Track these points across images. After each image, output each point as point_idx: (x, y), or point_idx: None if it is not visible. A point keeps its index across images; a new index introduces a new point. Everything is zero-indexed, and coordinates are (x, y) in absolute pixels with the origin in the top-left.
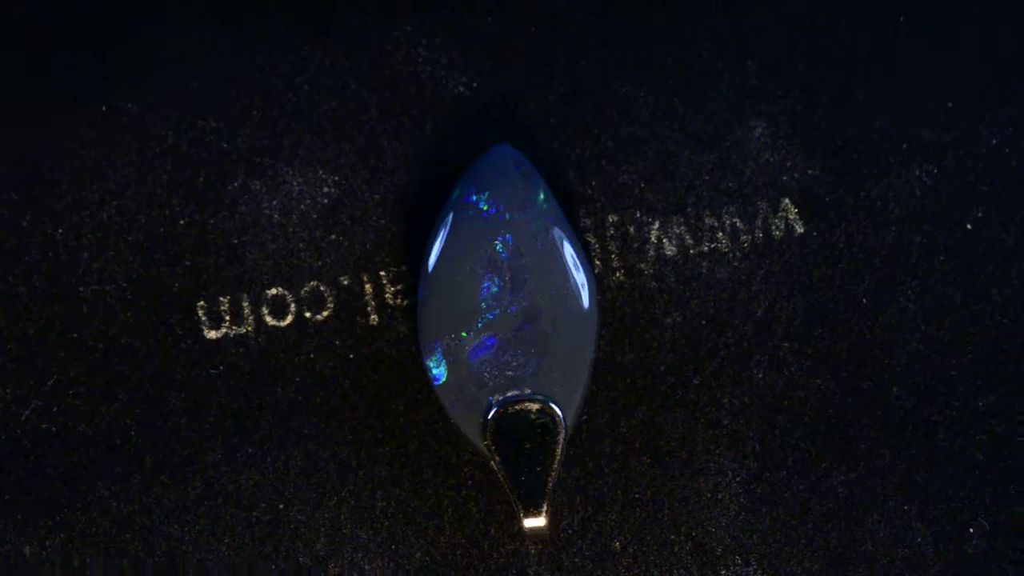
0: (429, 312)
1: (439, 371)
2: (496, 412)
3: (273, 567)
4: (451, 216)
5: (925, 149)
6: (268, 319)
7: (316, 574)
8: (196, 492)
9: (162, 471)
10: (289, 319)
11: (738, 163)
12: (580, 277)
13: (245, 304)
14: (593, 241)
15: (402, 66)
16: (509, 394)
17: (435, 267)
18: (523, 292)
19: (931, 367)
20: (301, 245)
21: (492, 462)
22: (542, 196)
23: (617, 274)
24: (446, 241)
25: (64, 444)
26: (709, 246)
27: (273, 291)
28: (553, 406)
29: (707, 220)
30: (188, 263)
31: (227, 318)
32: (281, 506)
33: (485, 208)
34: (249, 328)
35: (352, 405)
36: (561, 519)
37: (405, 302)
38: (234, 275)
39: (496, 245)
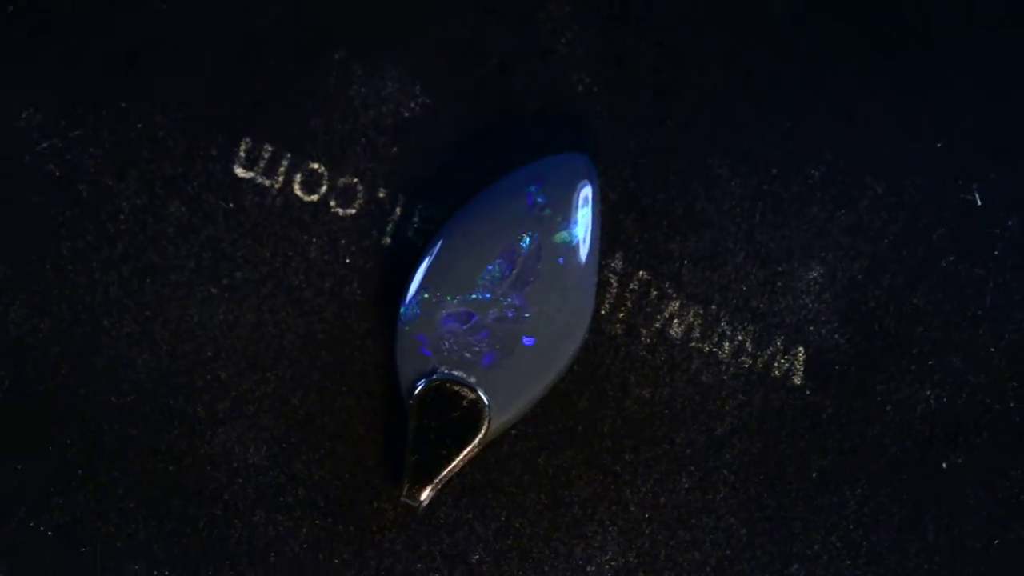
0: (433, 261)
1: (409, 315)
2: (434, 381)
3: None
4: (500, 188)
5: (952, 383)
6: (296, 186)
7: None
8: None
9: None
10: (313, 197)
11: (780, 291)
12: (581, 309)
13: (284, 162)
14: (613, 284)
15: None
16: (455, 372)
17: (460, 225)
18: (522, 292)
19: None
20: (363, 140)
21: (409, 424)
22: (589, 216)
23: (617, 326)
24: (482, 208)
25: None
26: (710, 348)
27: (315, 165)
28: (487, 405)
29: (723, 325)
30: (255, 101)
31: (261, 165)
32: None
33: (532, 199)
34: (275, 185)
35: (311, 309)
36: (439, 510)
37: (420, 243)
38: (290, 131)
39: (523, 237)
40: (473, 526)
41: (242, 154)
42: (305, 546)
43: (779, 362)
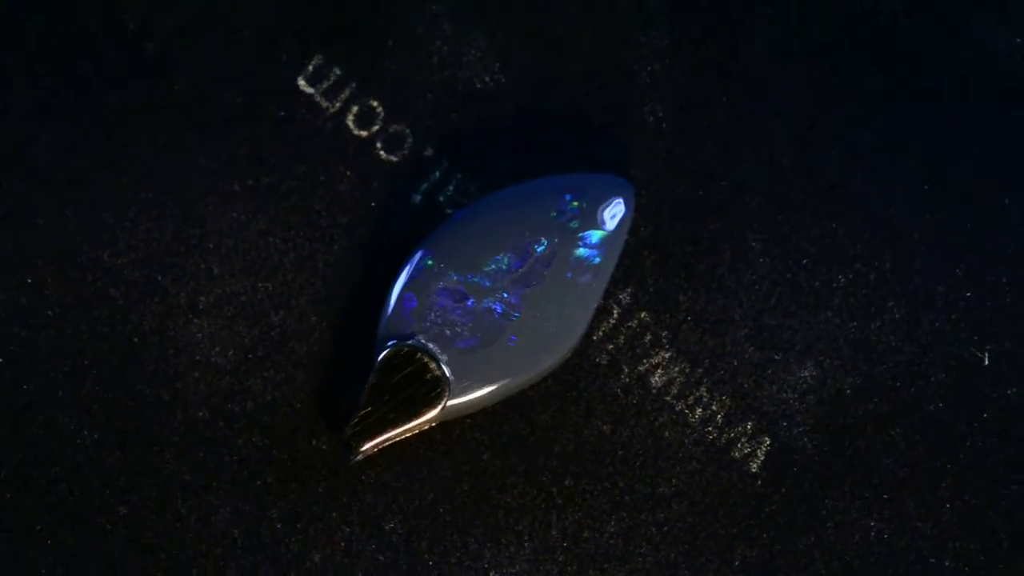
0: (448, 231)
1: (408, 275)
2: (407, 345)
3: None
4: (537, 185)
5: (898, 525)
6: (350, 116)
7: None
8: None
9: None
10: (363, 133)
11: (768, 378)
12: (573, 327)
13: (347, 90)
14: (613, 314)
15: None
16: (430, 345)
17: (487, 208)
18: (521, 291)
19: None
20: (428, 96)
21: (370, 377)
22: (612, 242)
23: (602, 356)
24: (514, 199)
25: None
26: (683, 408)
27: (374, 103)
28: (449, 387)
29: (702, 390)
30: (339, 24)
31: (324, 85)
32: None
33: (564, 207)
34: (331, 108)
35: (321, 237)
36: (373, 469)
37: (446, 211)
38: (363, 63)
39: (541, 240)
40: (398, 496)
41: (310, 68)
42: (235, 458)
43: (742, 444)
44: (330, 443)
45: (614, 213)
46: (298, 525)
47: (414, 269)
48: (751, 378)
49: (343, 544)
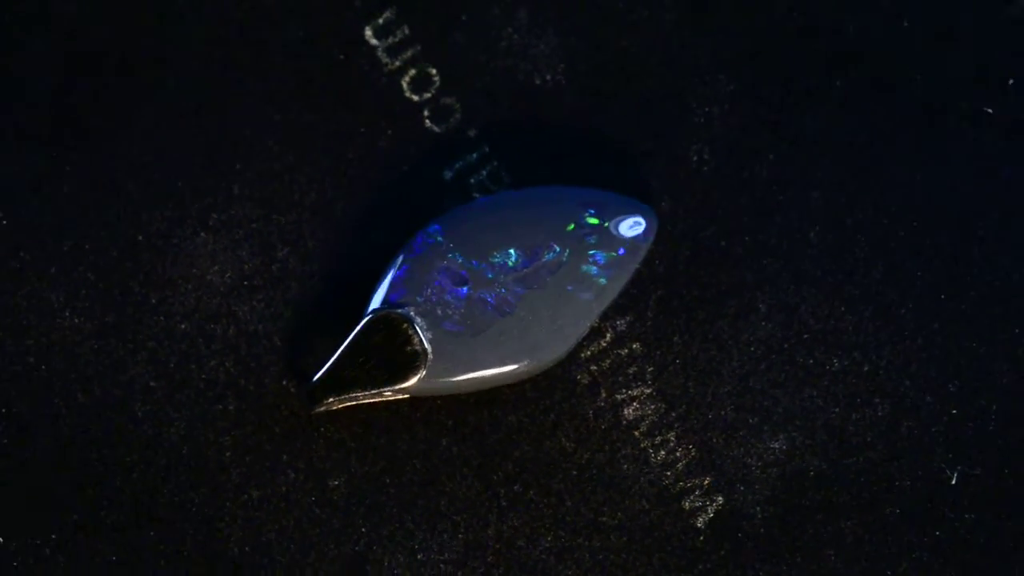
0: (465, 214)
1: (414, 245)
2: (394, 313)
3: None
4: (565, 193)
5: None
6: (406, 78)
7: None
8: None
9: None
10: (414, 97)
11: (738, 439)
12: (561, 340)
13: (411, 51)
14: (606, 338)
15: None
16: (417, 319)
17: (510, 202)
18: (520, 292)
19: None
20: (487, 78)
21: (350, 335)
22: (622, 269)
23: (584, 375)
24: (538, 199)
25: None
26: (647, 446)
27: (433, 71)
28: (427, 365)
29: (671, 435)
30: None
31: (389, 41)
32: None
33: (584, 220)
34: (389, 65)
35: (345, 183)
36: (333, 425)
37: (476, 195)
38: (433, 28)
39: (553, 247)
40: (350, 456)
41: (380, 21)
42: (203, 377)
43: (695, 497)
44: (299, 388)
45: (631, 239)
46: (246, 458)
47: (422, 241)
48: (721, 435)
49: (284, 488)
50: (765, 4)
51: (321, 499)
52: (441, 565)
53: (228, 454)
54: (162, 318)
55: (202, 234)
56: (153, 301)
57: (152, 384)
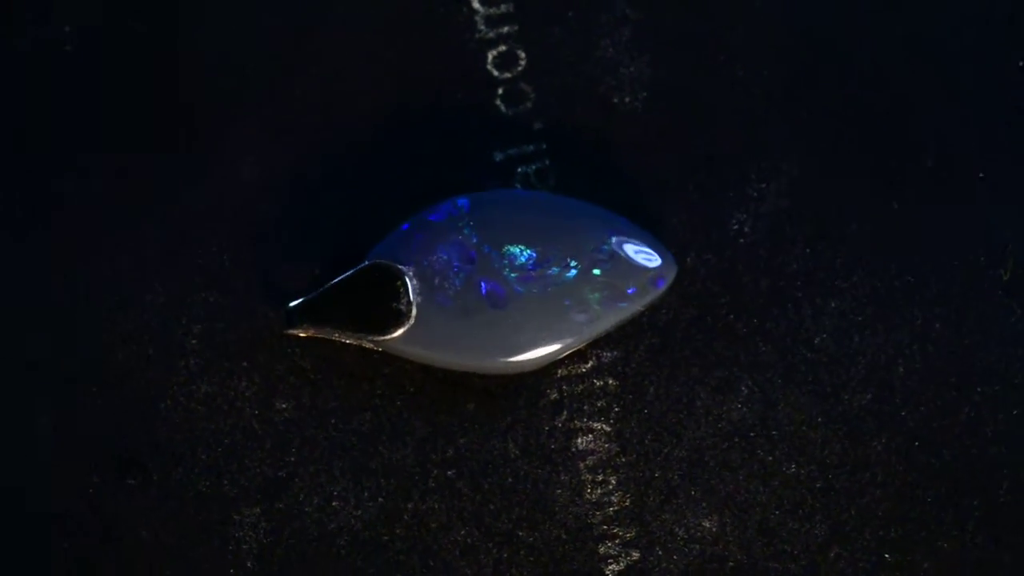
0: (500, 200)
1: (436, 211)
2: (396, 268)
3: None
4: (601, 215)
5: None
6: (493, 53)
7: None
8: None
9: None
10: (494, 72)
11: (676, 507)
12: (543, 351)
13: (509, 28)
14: (587, 363)
15: None
16: (412, 282)
17: (549, 206)
18: (520, 289)
19: None
20: (571, 79)
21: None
22: (626, 308)
23: (554, 391)
24: (577, 213)
25: None
26: (587, 481)
27: (522, 54)
28: (409, 328)
29: (612, 480)
30: None
31: (491, 12)
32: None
33: (607, 248)
34: (482, 36)
35: (392, 128)
36: (296, 353)
37: (515, 184)
38: (537, 14)
39: (569, 261)
40: (303, 387)
41: None
42: (199, 261)
43: (612, 545)
44: (281, 305)
45: (644, 281)
46: (209, 352)
47: (447, 209)
48: (659, 496)
49: (231, 393)
50: (862, 109)
51: (262, 416)
52: (352, 520)
53: (194, 341)
54: (187, 197)
55: (231, 128)
56: (182, 180)
57: (148, 254)
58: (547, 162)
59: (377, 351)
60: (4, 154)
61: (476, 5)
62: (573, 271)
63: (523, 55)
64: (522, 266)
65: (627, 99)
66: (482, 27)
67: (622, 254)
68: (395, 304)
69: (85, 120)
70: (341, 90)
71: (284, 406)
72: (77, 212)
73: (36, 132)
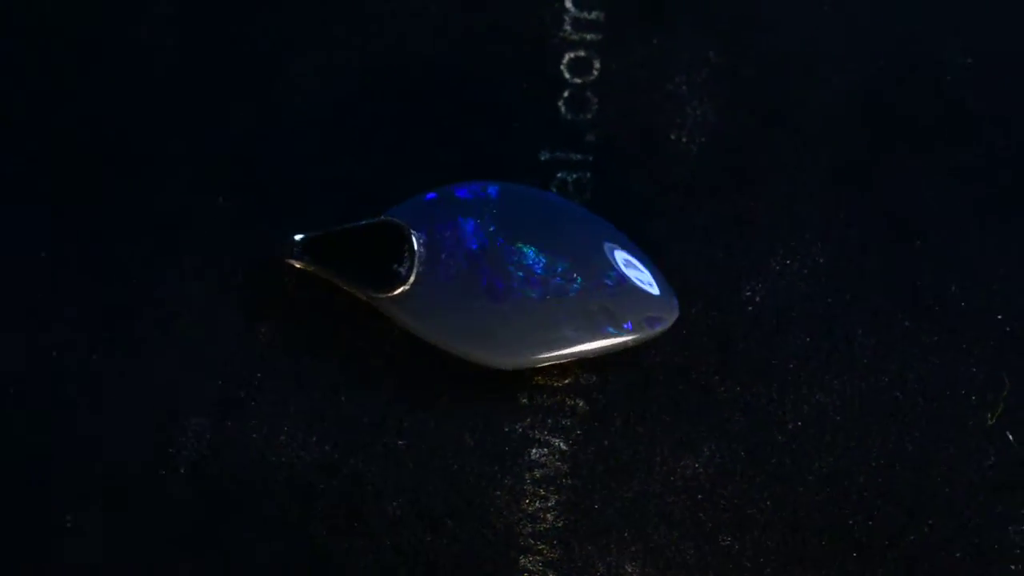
0: (530, 199)
1: (465, 190)
2: (410, 232)
3: None
4: (623, 244)
5: None
6: (570, 54)
7: None
8: None
9: None
10: (563, 72)
11: (603, 549)
12: (522, 356)
13: (590, 36)
14: (565, 380)
15: None
16: (419, 250)
17: (574, 218)
18: (514, 287)
19: None
20: (638, 98)
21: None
22: (615, 331)
23: (523, 396)
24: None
25: None
26: (528, 491)
27: (596, 62)
28: (405, 293)
29: (554, 497)
30: None
31: (580, 16)
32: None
33: (615, 273)
34: (564, 35)
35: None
36: (297, 282)
37: (553, 189)
38: (618, 23)
39: (573, 274)
40: (288, 319)
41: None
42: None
43: (535, 560)
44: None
45: (639, 322)
46: (204, 269)
47: (474, 190)
48: (592, 528)
49: (218, 311)
50: (897, 228)
51: (244, 341)
52: (294, 459)
53: (201, 242)
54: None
55: (315, 64)
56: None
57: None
58: (588, 175)
59: (368, 307)
60: None
61: (568, 4)
62: (576, 287)
63: (598, 65)
64: (528, 267)
65: (684, 139)
66: (568, 27)
67: (628, 286)
68: (396, 265)
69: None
70: (411, 49)
71: (264, 331)
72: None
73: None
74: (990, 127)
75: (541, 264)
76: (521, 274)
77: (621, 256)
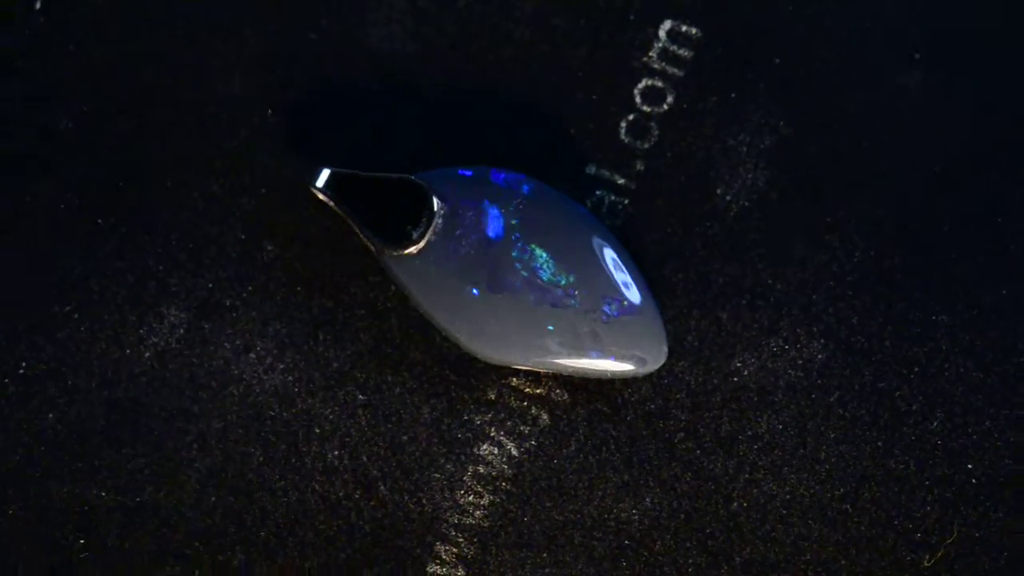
0: (559, 207)
1: (503, 176)
2: (436, 194)
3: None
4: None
5: None
6: (647, 80)
7: None
8: None
9: None
10: (634, 97)
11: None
12: (506, 352)
13: (676, 70)
14: (540, 386)
15: None
16: (437, 220)
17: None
18: (517, 287)
19: None
20: (702, 144)
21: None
22: (597, 356)
23: (492, 390)
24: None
25: None
26: (464, 483)
27: (670, 97)
28: (413, 248)
29: (487, 498)
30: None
31: (669, 48)
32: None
33: (612, 299)
34: (649, 61)
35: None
36: (312, 213)
37: (587, 203)
38: (700, 61)
39: (573, 290)
40: (293, 249)
41: (682, 28)
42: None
43: (446, 557)
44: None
45: (624, 358)
46: (235, 174)
47: (512, 180)
48: (515, 537)
49: (232, 216)
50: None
51: (247, 245)
52: (254, 378)
53: (217, 163)
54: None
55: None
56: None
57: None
58: (626, 202)
59: (374, 262)
60: None
61: (662, 34)
62: (574, 304)
63: (670, 100)
64: (534, 271)
65: (728, 196)
66: (654, 55)
67: (625, 320)
68: (410, 226)
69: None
70: (495, 32)
71: (269, 250)
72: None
73: None
74: None
75: (548, 271)
76: (526, 274)
77: (629, 289)
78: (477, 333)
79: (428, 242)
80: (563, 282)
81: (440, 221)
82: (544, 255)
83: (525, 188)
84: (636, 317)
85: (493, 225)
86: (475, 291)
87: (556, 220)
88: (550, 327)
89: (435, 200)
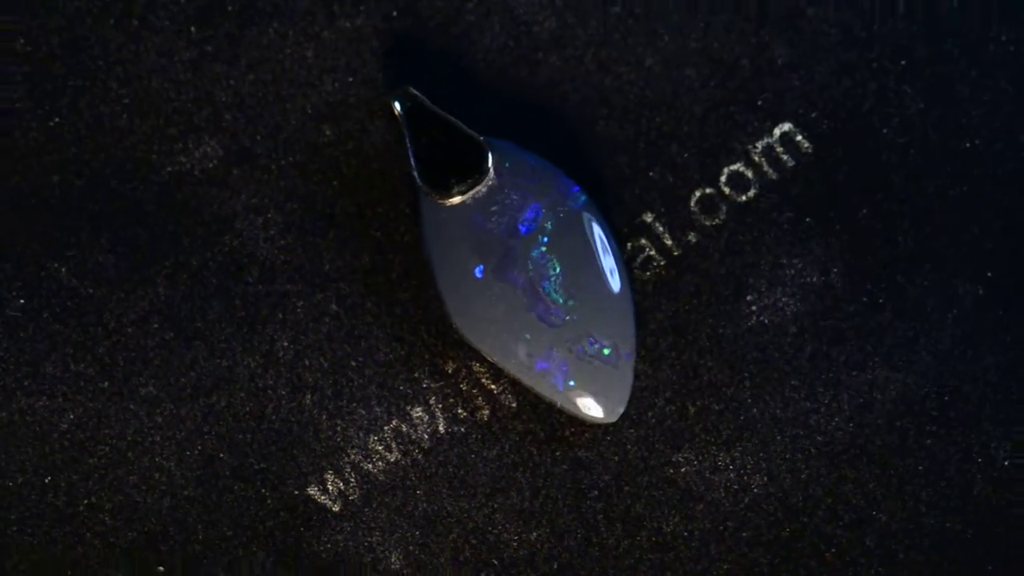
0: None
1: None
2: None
3: None
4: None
5: None
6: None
7: None
8: None
9: None
10: (726, 176)
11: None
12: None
13: (757, 144)
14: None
15: None
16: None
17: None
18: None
19: None
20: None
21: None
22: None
23: (450, 366)
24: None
25: None
26: (437, 447)
27: (750, 175)
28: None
29: (474, 453)
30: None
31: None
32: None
33: (592, 347)
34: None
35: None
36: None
37: (628, 243)
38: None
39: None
40: (329, 172)
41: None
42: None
43: (328, 492)
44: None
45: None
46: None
47: (567, 190)
48: (395, 503)
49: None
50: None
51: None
52: (268, 233)
53: (310, 54)
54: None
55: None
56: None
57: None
58: (662, 263)
59: (407, 188)
60: None
61: (777, 131)
62: (559, 326)
63: (750, 195)
64: (542, 278)
65: (754, 307)
66: (759, 145)
67: (600, 370)
68: (452, 180)
69: None
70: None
71: (328, 133)
72: None
73: None
74: None
75: (553, 286)
76: (532, 278)
77: (618, 342)
78: (463, 306)
79: (463, 203)
80: (561, 302)
81: (484, 190)
82: (558, 270)
83: (576, 202)
84: (610, 369)
85: (528, 219)
86: (480, 267)
87: (590, 248)
88: (527, 335)
89: (491, 168)
